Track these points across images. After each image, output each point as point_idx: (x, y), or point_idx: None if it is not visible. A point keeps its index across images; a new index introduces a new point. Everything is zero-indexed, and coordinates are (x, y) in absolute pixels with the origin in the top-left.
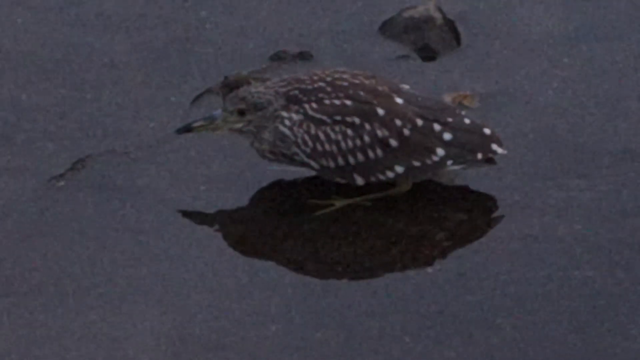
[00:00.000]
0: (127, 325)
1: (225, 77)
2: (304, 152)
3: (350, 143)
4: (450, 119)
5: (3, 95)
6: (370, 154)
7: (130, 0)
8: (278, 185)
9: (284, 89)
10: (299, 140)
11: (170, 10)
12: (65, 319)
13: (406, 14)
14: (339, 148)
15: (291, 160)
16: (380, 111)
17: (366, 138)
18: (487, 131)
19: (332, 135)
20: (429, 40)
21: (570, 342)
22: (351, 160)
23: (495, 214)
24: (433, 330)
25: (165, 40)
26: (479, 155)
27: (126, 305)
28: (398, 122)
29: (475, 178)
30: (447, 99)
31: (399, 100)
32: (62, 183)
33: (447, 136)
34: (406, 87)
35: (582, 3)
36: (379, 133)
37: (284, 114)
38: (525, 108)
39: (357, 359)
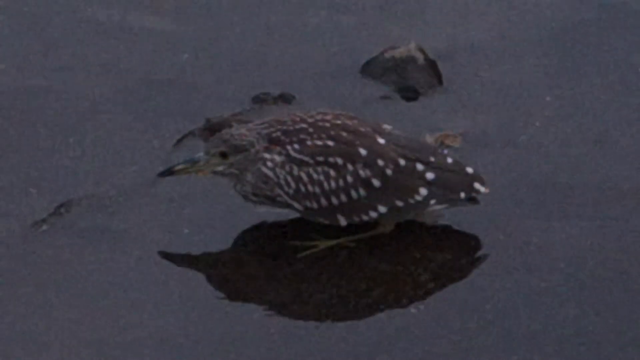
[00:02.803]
0: None
1: (207, 120)
2: (287, 193)
3: (333, 184)
4: (432, 159)
5: None
6: (354, 194)
7: (111, 43)
8: (261, 226)
9: (265, 131)
10: (282, 182)
11: (151, 53)
12: None
13: (388, 55)
14: (322, 189)
15: (274, 201)
16: (363, 151)
17: (349, 178)
18: (469, 170)
19: (315, 176)
20: (410, 81)
21: None
22: (334, 200)
23: (479, 254)
24: None
25: (147, 83)
26: (462, 195)
27: (109, 349)
28: (380, 162)
29: (459, 218)
30: (430, 138)
31: (381, 141)
32: (44, 227)
33: (430, 176)
34: (389, 127)
35: (564, 41)
36: (362, 173)
37: (266, 155)
38: (507, 147)
39: None
